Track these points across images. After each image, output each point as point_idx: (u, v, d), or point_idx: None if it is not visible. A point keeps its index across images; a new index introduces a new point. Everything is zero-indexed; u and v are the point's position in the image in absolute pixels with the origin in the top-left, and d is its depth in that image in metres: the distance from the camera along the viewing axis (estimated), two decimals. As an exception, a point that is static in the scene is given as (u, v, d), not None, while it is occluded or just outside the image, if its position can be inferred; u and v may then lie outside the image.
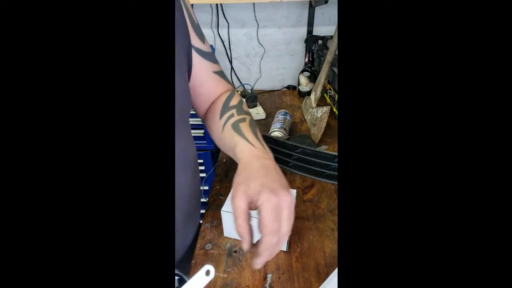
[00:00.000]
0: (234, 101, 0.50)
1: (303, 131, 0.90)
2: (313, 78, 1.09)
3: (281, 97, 1.16)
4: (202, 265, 0.45)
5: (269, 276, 0.47)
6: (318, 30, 1.19)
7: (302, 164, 0.71)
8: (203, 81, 0.50)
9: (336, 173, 0.68)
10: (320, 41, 1.12)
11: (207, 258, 0.50)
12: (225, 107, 0.49)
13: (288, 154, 0.73)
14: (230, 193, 0.36)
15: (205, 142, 1.15)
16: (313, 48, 1.14)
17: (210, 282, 0.46)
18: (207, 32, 1.22)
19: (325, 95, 1.04)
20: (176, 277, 0.33)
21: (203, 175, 1.20)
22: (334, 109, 0.94)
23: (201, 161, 1.17)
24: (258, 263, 0.35)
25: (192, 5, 1.16)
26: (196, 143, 1.14)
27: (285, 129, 0.84)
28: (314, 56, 1.15)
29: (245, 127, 0.45)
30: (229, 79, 1.30)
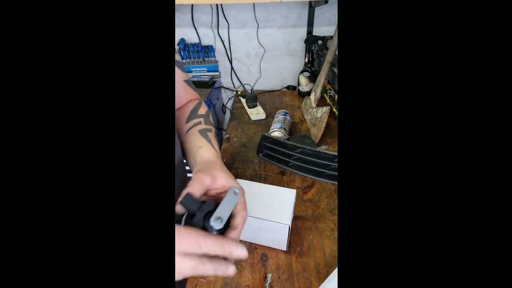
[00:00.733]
0: (202, 110, 0.55)
1: (303, 131, 0.90)
2: (313, 78, 1.09)
3: (281, 97, 1.16)
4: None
5: (269, 276, 0.47)
6: (318, 30, 1.19)
7: (302, 164, 0.71)
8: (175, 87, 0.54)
9: (336, 173, 0.68)
10: (320, 41, 1.12)
11: (207, 258, 0.50)
12: (193, 114, 0.53)
13: (288, 154, 0.73)
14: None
15: (205, 142, 1.15)
16: (313, 48, 1.14)
17: (210, 282, 0.46)
18: (207, 32, 1.22)
19: (325, 95, 1.04)
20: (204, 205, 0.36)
21: (203, 175, 1.20)
22: (334, 109, 0.94)
23: (201, 161, 1.17)
24: (237, 236, 0.37)
25: (192, 5, 1.16)
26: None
27: (285, 129, 0.84)
28: (314, 56, 1.15)
29: (211, 137, 0.50)
30: (230, 79, 1.31)
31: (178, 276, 0.30)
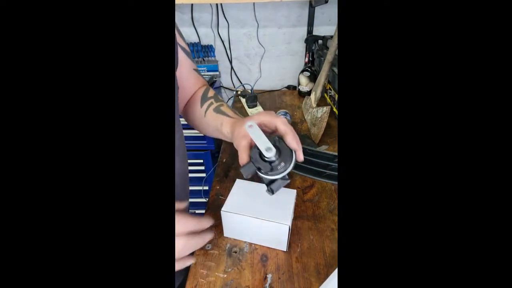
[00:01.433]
0: (211, 93, 0.61)
1: (303, 131, 0.90)
2: (313, 78, 1.09)
3: (281, 97, 1.16)
4: (203, 265, 0.46)
5: (269, 276, 0.47)
6: (318, 30, 1.19)
7: (302, 164, 0.71)
8: (186, 77, 0.59)
9: (336, 173, 0.68)
10: (320, 41, 1.12)
11: (207, 258, 0.50)
12: (204, 97, 0.60)
13: (288, 154, 0.73)
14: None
15: (205, 142, 1.15)
16: (313, 48, 1.14)
17: (210, 283, 0.46)
18: (207, 31, 1.22)
19: (325, 95, 1.04)
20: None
21: (203, 175, 1.20)
22: (334, 109, 0.94)
23: (201, 161, 1.17)
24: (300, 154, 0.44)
25: (192, 5, 1.16)
26: (196, 143, 1.15)
27: (285, 129, 0.84)
28: (314, 56, 1.15)
29: (225, 108, 0.56)
30: (229, 79, 1.31)
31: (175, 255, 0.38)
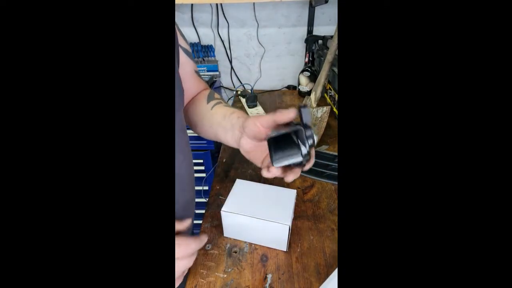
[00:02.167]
0: (217, 96, 0.59)
1: (303, 131, 0.90)
2: (313, 78, 1.09)
3: (281, 97, 1.16)
4: (203, 265, 0.47)
5: (269, 276, 0.47)
6: (318, 30, 1.19)
7: (302, 164, 0.71)
8: (187, 78, 0.57)
9: (336, 173, 0.68)
10: (320, 41, 1.12)
11: (207, 258, 0.50)
12: (211, 97, 0.57)
13: (288, 154, 0.73)
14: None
15: (205, 142, 1.15)
16: (313, 48, 1.14)
17: (210, 283, 0.46)
18: (207, 31, 1.22)
19: (325, 95, 1.04)
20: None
21: (203, 175, 1.20)
22: (334, 109, 0.94)
23: (201, 161, 1.17)
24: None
25: (192, 4, 1.16)
26: (196, 143, 1.14)
27: (285, 129, 0.84)
28: (314, 56, 1.15)
29: (236, 108, 0.53)
30: (229, 79, 1.31)
31: (177, 274, 0.40)
